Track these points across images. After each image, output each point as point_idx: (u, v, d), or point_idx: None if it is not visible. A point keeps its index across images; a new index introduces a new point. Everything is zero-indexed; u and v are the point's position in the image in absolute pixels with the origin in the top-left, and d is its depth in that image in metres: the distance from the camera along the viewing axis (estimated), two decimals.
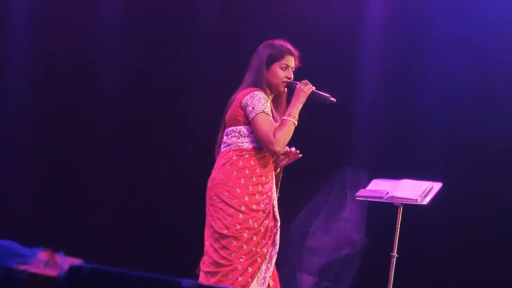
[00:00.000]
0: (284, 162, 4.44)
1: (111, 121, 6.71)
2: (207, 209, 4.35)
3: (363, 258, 6.64)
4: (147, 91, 6.73)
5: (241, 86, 4.44)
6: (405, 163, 6.21)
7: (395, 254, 5.12)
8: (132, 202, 6.78)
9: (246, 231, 4.23)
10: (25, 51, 6.57)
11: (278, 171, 4.47)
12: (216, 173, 4.33)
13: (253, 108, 4.26)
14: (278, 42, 4.45)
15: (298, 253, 6.74)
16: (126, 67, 6.68)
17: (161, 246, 6.66)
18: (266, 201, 4.31)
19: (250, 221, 4.24)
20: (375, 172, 5.80)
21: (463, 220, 6.27)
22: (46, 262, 1.54)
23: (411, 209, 5.24)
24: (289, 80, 4.40)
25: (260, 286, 4.25)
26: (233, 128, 4.36)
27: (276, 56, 4.39)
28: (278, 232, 4.38)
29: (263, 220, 4.29)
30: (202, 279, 4.27)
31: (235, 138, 4.35)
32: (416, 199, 5.07)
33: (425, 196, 5.10)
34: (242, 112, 4.31)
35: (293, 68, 4.45)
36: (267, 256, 4.29)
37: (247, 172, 4.28)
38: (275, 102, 4.47)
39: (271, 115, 4.30)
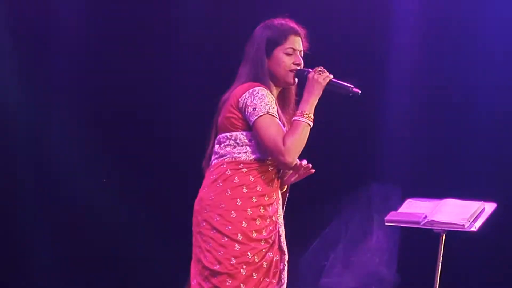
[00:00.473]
0: (294, 178, 4.22)
1: None
2: (193, 239, 4.10)
3: None
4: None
5: (235, 82, 4.21)
6: (447, 179, 6.36)
7: None
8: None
9: (244, 266, 3.99)
10: None
11: (284, 189, 4.24)
12: (205, 192, 4.08)
13: (254, 109, 4.03)
14: (278, 21, 4.26)
15: None
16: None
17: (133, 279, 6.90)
18: (270, 227, 4.07)
19: (249, 253, 3.99)
20: (410, 190, 5.77)
21: None
22: None
23: (456, 236, 5.12)
24: (298, 68, 4.15)
25: None
26: (227, 134, 4.10)
27: (277, 39, 4.17)
28: (286, 268, 4.15)
29: (266, 252, 4.04)
30: None
31: (230, 148, 4.10)
32: (463, 224, 4.94)
33: (475, 220, 4.98)
34: (239, 114, 4.08)
35: (302, 52, 4.19)
36: None
37: (245, 190, 4.03)
38: (281, 98, 4.24)
39: (277, 116, 4.07)
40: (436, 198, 5.13)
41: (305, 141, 4.03)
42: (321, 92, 4.08)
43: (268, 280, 4.02)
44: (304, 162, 4.11)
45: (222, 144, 4.09)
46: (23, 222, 7.10)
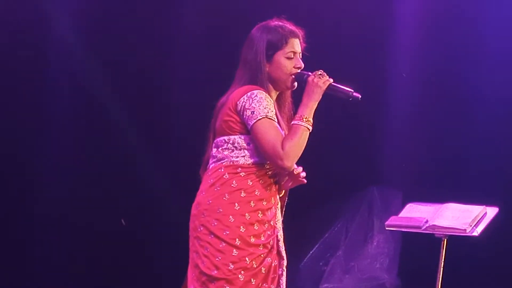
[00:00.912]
0: (290, 184, 4.24)
1: None
2: (190, 244, 4.11)
3: None
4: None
5: (233, 84, 4.21)
6: (449, 183, 6.34)
7: None
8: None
9: (242, 272, 3.99)
10: None
11: (282, 193, 4.24)
12: (203, 196, 4.08)
13: (252, 112, 4.03)
14: (276, 23, 4.25)
15: None
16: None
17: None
18: (268, 232, 4.07)
19: (247, 259, 4.00)
20: (411, 194, 5.75)
21: None
22: None
23: (458, 241, 5.08)
24: (298, 72, 4.16)
25: None
26: (225, 138, 4.11)
27: (277, 43, 4.16)
28: (284, 273, 4.16)
29: (264, 257, 4.04)
30: None
31: (227, 151, 4.10)
32: (465, 229, 4.91)
33: (476, 225, 4.95)
34: (237, 118, 4.08)
35: (301, 53, 4.19)
36: None
37: (243, 194, 4.04)
38: (280, 102, 4.26)
39: (276, 120, 4.07)
40: (438, 203, 5.09)
41: (304, 146, 4.02)
42: (320, 96, 4.07)
43: (266, 285, 4.02)
44: (300, 169, 4.11)
45: (220, 148, 4.08)
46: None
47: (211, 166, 4.10)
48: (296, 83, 4.14)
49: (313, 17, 6.46)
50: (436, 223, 4.93)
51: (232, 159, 4.06)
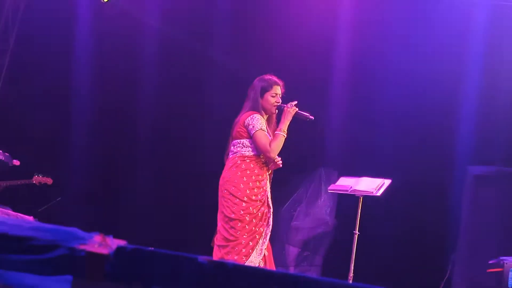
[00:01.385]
0: (274, 166, 4.30)
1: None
2: (219, 200, 4.27)
3: (334, 234, 6.60)
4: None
5: (242, 111, 4.34)
6: (364, 165, 6.02)
7: (357, 232, 5.01)
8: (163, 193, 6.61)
9: (248, 215, 4.15)
10: None
11: (270, 172, 4.36)
12: (225, 173, 4.27)
13: (253, 126, 4.20)
14: (268, 76, 4.31)
15: (286, 231, 6.65)
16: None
17: (188, 227, 6.48)
18: (262, 193, 4.23)
19: (250, 208, 4.16)
20: (343, 171, 5.70)
21: (410, 208, 6.20)
22: (99, 243, 1.54)
23: (369, 199, 5.10)
24: (278, 104, 4.31)
25: (258, 255, 4.16)
26: (238, 140, 4.28)
27: (267, 87, 4.28)
28: (271, 216, 4.29)
29: (260, 207, 4.20)
30: (216, 250, 4.19)
31: (239, 148, 4.27)
32: (372, 192, 4.94)
33: (379, 189, 4.97)
34: (245, 129, 4.24)
35: (281, 94, 4.33)
36: (263, 234, 4.20)
37: (248, 172, 4.21)
38: (269, 121, 4.39)
39: (266, 131, 4.24)
40: (357, 176, 5.08)
41: (282, 145, 4.23)
42: (291, 118, 4.26)
43: (261, 223, 4.19)
44: (279, 158, 4.23)
45: (235, 146, 4.29)
46: None
47: (230, 156, 4.29)
48: (277, 111, 4.31)
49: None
50: (356, 188, 4.99)
51: (242, 152, 4.24)
